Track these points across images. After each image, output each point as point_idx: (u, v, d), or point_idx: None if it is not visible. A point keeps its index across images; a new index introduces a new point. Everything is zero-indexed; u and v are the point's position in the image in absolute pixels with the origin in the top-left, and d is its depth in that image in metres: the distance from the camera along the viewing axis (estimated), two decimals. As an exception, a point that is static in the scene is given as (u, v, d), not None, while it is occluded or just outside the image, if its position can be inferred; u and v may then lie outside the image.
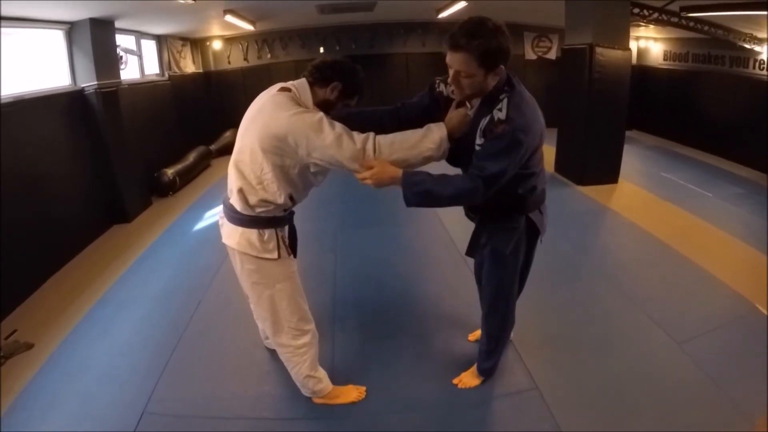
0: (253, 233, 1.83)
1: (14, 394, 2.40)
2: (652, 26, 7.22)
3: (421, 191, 1.61)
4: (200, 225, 4.95)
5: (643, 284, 3.39)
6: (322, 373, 2.20)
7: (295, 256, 2.01)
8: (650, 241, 4.13)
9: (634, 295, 3.21)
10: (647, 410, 2.19)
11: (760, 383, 2.29)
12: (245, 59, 8.29)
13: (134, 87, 5.45)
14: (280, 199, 1.77)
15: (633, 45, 8.07)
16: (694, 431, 2.04)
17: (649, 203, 5.17)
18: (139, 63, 5.92)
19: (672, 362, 2.53)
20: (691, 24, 5.75)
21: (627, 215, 4.72)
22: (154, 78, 6.36)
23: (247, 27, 6.47)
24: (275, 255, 1.85)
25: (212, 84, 8.15)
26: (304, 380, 2.14)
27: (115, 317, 3.16)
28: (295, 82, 1.81)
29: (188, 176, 6.38)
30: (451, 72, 1.59)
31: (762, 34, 6.08)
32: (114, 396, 2.38)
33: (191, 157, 6.70)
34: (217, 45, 7.92)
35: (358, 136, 1.63)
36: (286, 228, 1.96)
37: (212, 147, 7.58)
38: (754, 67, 6.66)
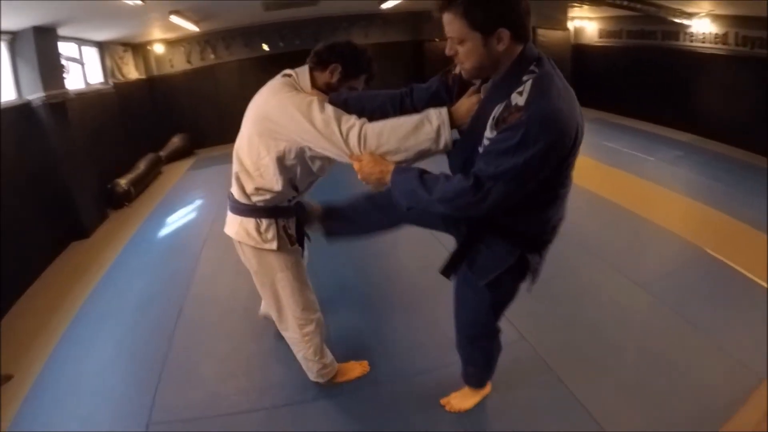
0: (251, 223, 1.80)
1: (2, 428, 2.28)
2: (587, 6, 7.64)
3: (407, 191, 1.36)
4: (165, 231, 4.84)
5: (601, 240, 3.72)
6: (328, 358, 2.21)
7: (302, 247, 2.01)
8: (602, 202, 4.49)
9: (595, 249, 3.51)
10: (626, 345, 2.49)
11: (719, 312, 2.67)
12: (188, 61, 8.05)
13: (80, 97, 5.18)
14: (277, 186, 1.71)
15: (569, 25, 8.51)
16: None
17: (597, 170, 5.53)
18: (82, 71, 5.63)
19: (640, 303, 2.85)
20: (624, 3, 6.16)
21: (577, 182, 5.00)
22: (99, 86, 6.06)
23: (192, 28, 6.28)
24: (274, 246, 1.82)
25: (156, 89, 7.86)
26: (309, 364, 2.17)
27: (95, 335, 3.03)
28: (298, 68, 1.74)
29: (142, 185, 6.18)
30: (448, 41, 1.30)
31: (691, 9, 6.60)
32: (114, 413, 2.31)
33: (142, 165, 6.48)
34: (158, 49, 7.64)
35: (347, 122, 1.46)
36: (294, 219, 1.93)
37: (161, 153, 7.36)
38: (684, 40, 7.24)
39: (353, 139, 1.44)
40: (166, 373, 2.54)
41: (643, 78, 8.11)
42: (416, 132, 1.40)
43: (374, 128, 1.44)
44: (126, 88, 6.77)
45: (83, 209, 4.68)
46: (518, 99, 1.20)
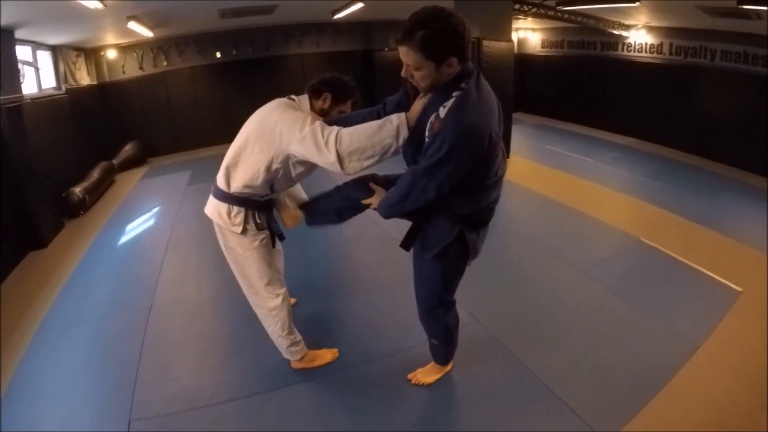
0: (223, 207, 2.09)
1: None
2: (530, 18, 8.14)
3: (389, 205, 1.79)
4: (125, 238, 4.79)
5: (543, 233, 4.11)
6: (296, 336, 2.41)
7: (272, 238, 2.24)
8: (544, 200, 4.92)
9: (537, 241, 3.89)
10: (571, 323, 2.80)
11: (655, 291, 3.11)
12: (141, 68, 7.91)
13: (35, 102, 5.05)
14: (257, 183, 1.99)
15: (513, 36, 9.01)
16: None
17: (539, 171, 5.98)
18: (36, 76, 5.46)
19: (581, 286, 3.22)
20: (566, 16, 6.65)
21: (521, 183, 5.44)
22: (52, 91, 5.88)
23: (147, 33, 6.22)
24: (238, 230, 2.09)
25: (108, 96, 7.67)
26: (279, 339, 2.37)
27: (64, 341, 2.99)
28: (299, 96, 2.10)
29: (96, 194, 6.05)
30: (404, 66, 1.56)
31: (629, 21, 7.20)
32: (93, 413, 2.32)
33: (95, 173, 6.34)
34: (111, 54, 7.48)
35: (327, 130, 1.77)
36: (264, 211, 2.16)
37: (114, 161, 7.21)
38: (622, 50, 7.93)
39: (331, 141, 1.74)
40: (141, 372, 2.58)
41: (584, 85, 8.74)
42: (380, 131, 1.73)
43: (347, 131, 1.75)
44: (78, 94, 6.59)
45: (40, 218, 4.57)
46: (442, 111, 1.56)
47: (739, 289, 3.17)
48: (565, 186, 5.38)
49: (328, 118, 2.02)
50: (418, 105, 1.71)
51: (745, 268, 3.46)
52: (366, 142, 1.72)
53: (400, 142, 1.72)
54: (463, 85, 1.56)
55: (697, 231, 4.18)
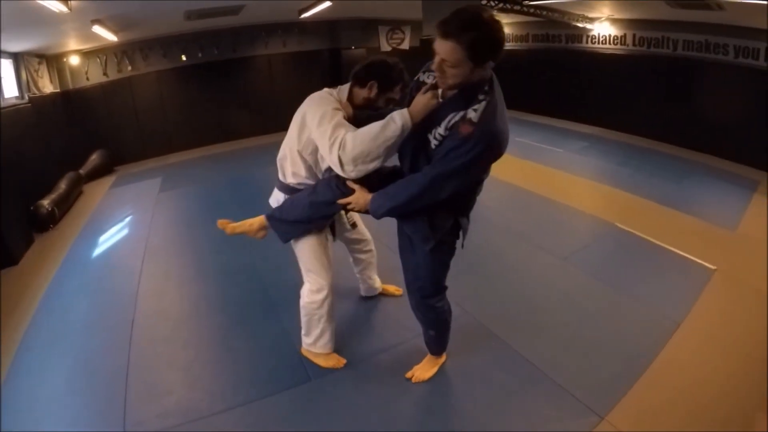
0: (281, 195, 2.24)
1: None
2: (495, 13, 8.23)
3: (385, 211, 1.79)
4: (99, 250, 4.63)
5: (521, 223, 4.22)
6: (324, 333, 2.42)
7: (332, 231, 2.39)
8: (518, 192, 5.05)
9: (516, 231, 4.00)
10: (556, 308, 2.91)
11: (633, 273, 3.25)
12: (105, 74, 7.65)
13: (-1, 112, 4.82)
14: (303, 172, 2.09)
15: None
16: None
17: (510, 163, 6.02)
18: None
19: (562, 272, 3.33)
20: (531, 10, 6.75)
21: (495, 174, 5.44)
22: (15, 101, 5.62)
23: (111, 38, 6.02)
24: None
25: (72, 103, 7.38)
26: (306, 328, 2.43)
27: (45, 362, 2.87)
28: (342, 85, 2.09)
29: (65, 206, 5.83)
30: (436, 59, 1.52)
31: (592, 14, 7.36)
32: None
33: (63, 184, 6.11)
34: (74, 60, 7.20)
35: (337, 133, 1.75)
36: None
37: (81, 171, 6.98)
38: (587, 42, 8.09)
39: (336, 144, 1.74)
40: (130, 388, 2.50)
41: (550, 78, 8.91)
42: (384, 131, 1.69)
43: (351, 135, 1.74)
44: (42, 103, 6.33)
45: (10, 234, 4.37)
46: (473, 114, 1.55)
47: (712, 267, 3.32)
48: (538, 176, 5.50)
49: (378, 106, 2.04)
50: (422, 100, 1.67)
51: (716, 247, 3.63)
52: (370, 145, 1.69)
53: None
54: (486, 88, 1.58)
55: (667, 214, 4.36)
